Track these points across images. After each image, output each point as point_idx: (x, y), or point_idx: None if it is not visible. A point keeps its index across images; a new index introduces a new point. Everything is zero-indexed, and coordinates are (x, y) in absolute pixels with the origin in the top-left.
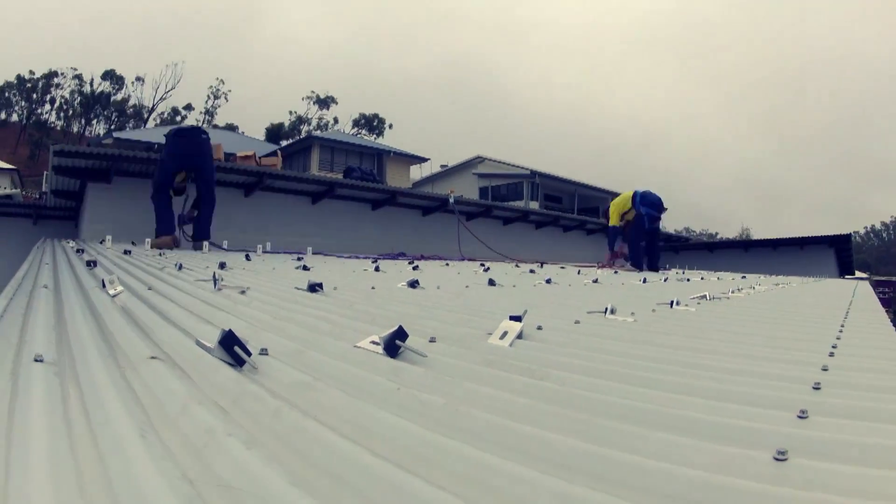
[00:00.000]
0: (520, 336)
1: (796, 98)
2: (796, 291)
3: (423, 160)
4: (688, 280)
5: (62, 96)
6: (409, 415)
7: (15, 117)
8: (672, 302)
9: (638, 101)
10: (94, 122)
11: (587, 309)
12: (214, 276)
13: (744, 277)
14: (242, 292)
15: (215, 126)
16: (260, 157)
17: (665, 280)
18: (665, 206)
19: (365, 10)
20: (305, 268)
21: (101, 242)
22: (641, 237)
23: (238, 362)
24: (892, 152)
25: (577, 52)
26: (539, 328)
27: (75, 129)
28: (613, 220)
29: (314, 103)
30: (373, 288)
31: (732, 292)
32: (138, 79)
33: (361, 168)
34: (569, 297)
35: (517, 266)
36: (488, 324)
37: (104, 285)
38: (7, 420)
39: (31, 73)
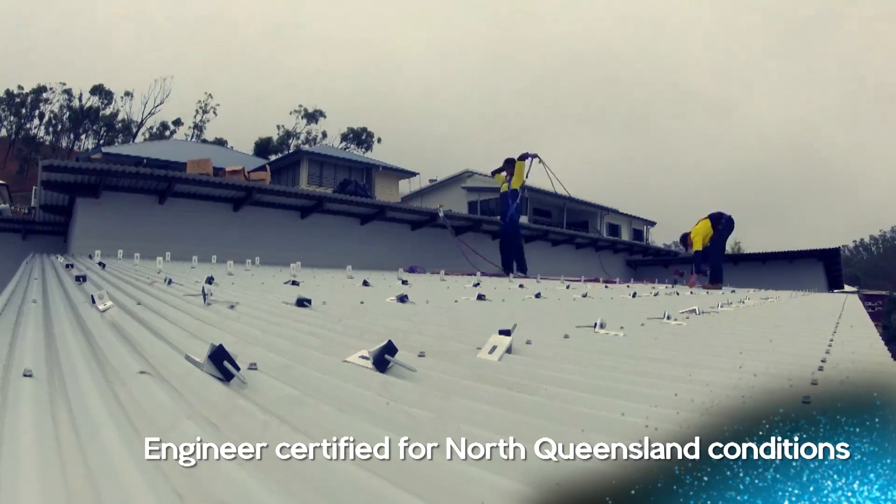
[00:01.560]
0: (509, 350)
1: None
2: (785, 305)
3: (412, 174)
4: (677, 294)
5: (51, 111)
6: (398, 429)
7: (3, 132)
8: (662, 316)
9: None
10: (83, 136)
11: (576, 323)
12: (203, 290)
13: (733, 291)
14: (231, 307)
15: (204, 140)
16: (249, 172)
17: (655, 294)
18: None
19: (354, 21)
20: (294, 282)
21: (90, 257)
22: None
23: (227, 377)
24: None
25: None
26: (528, 342)
27: (64, 144)
28: (698, 245)
29: (302, 117)
30: (361, 303)
31: (722, 306)
32: (127, 94)
33: (356, 181)
34: (558, 311)
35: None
36: (477, 338)
37: (93, 301)
38: None
39: (20, 87)
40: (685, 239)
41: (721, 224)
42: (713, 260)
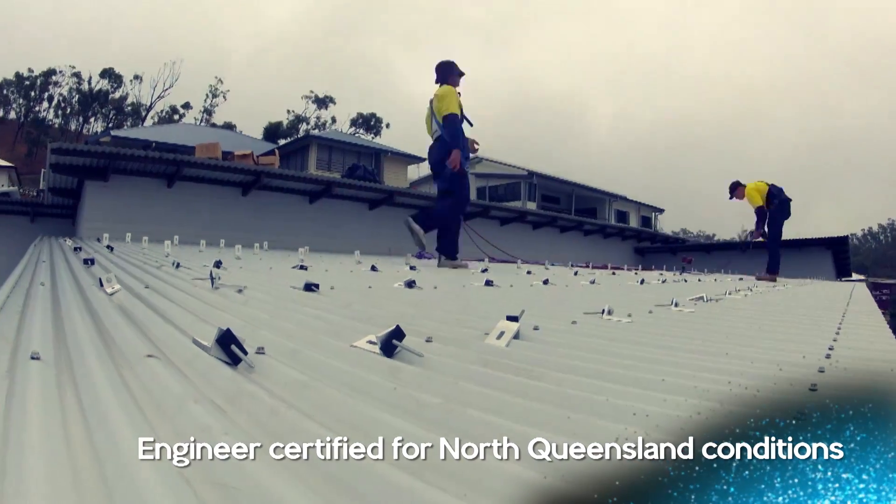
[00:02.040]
0: (516, 336)
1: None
2: (794, 293)
3: (421, 160)
4: (685, 281)
5: (60, 94)
6: (405, 415)
7: (13, 115)
8: (670, 303)
9: (633, 104)
10: (92, 119)
11: (584, 310)
12: (211, 274)
13: (741, 279)
14: (239, 291)
15: (213, 125)
16: (258, 156)
17: (663, 281)
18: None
19: (360, 7)
20: (302, 267)
21: (98, 240)
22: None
23: (235, 361)
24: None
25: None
26: (536, 328)
27: (73, 127)
28: (757, 201)
29: (312, 102)
30: (370, 287)
31: (730, 294)
32: (136, 77)
33: (364, 166)
34: (566, 297)
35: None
36: (485, 324)
37: (101, 284)
38: (3, 418)
39: (30, 70)
40: (735, 188)
41: (775, 202)
42: (770, 245)
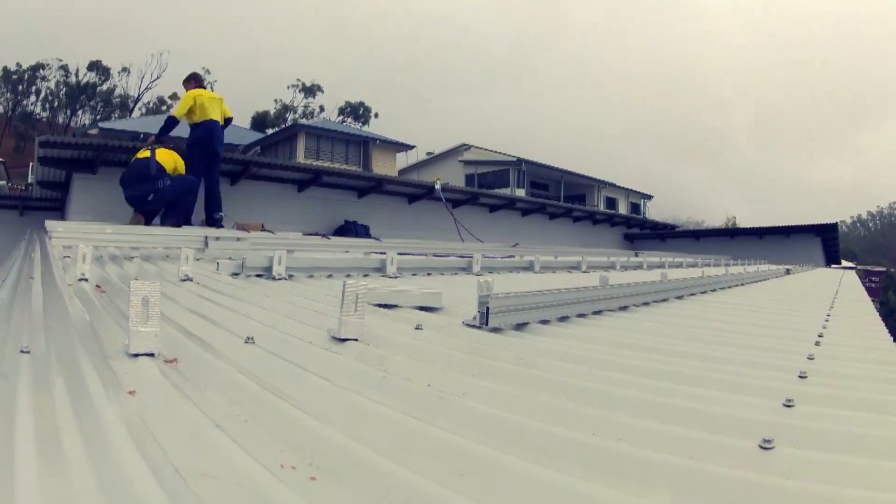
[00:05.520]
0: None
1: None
2: (786, 281)
3: (409, 147)
4: (680, 266)
5: (48, 87)
6: (394, 402)
7: (1, 109)
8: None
9: (621, 92)
10: (80, 112)
11: None
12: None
13: (727, 265)
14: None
15: None
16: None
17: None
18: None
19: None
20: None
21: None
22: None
23: (227, 352)
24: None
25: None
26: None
27: (61, 120)
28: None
29: (300, 91)
30: (365, 276)
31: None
32: (124, 69)
33: (356, 222)
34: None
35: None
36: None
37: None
38: None
39: (18, 65)
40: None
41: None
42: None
